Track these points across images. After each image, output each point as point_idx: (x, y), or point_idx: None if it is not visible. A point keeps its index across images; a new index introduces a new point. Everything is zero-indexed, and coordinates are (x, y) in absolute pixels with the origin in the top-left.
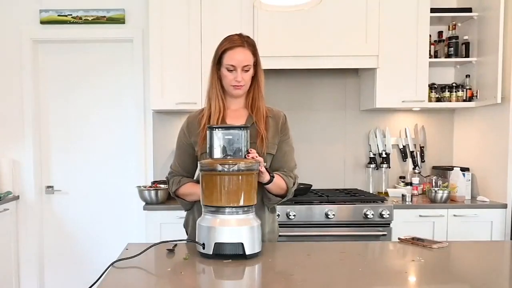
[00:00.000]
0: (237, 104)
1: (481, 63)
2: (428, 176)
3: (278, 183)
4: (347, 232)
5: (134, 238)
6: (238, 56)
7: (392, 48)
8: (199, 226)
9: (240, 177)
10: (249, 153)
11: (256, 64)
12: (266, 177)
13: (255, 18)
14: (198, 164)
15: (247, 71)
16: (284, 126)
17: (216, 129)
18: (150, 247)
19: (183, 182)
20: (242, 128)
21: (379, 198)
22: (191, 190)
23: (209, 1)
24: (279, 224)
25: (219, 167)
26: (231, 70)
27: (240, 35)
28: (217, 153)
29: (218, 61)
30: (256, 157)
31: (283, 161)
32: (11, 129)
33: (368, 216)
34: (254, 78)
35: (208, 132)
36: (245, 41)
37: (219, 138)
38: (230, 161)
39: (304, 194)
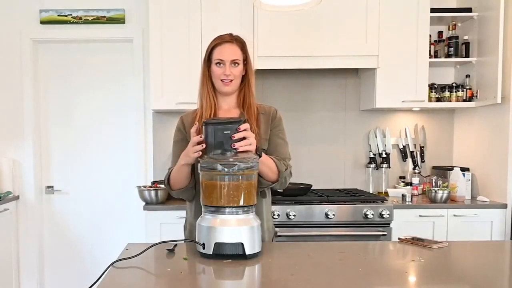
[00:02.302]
0: (229, 103)
1: (481, 63)
2: (428, 176)
3: (267, 163)
4: (347, 232)
5: (134, 238)
6: (227, 51)
7: (392, 48)
8: (199, 226)
9: (240, 177)
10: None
11: (246, 62)
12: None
13: (255, 18)
14: (198, 165)
15: (236, 65)
16: (275, 119)
17: (212, 125)
18: (150, 247)
19: (170, 170)
20: (240, 122)
21: (379, 198)
22: (174, 174)
23: (209, 1)
24: (279, 224)
25: (219, 167)
26: (220, 66)
27: (229, 34)
28: (214, 150)
29: (208, 59)
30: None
31: (275, 153)
32: (11, 129)
33: (368, 216)
34: (245, 76)
35: (204, 128)
36: (233, 38)
37: (215, 134)
38: (231, 160)
39: (304, 194)
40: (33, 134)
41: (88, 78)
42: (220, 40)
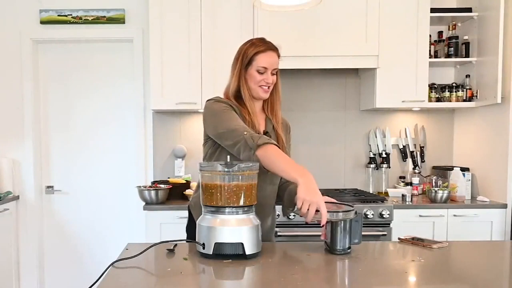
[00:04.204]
0: (257, 106)
1: (481, 63)
2: (428, 176)
3: None
4: None
5: (134, 238)
6: (271, 59)
7: (392, 48)
8: (199, 226)
9: (240, 177)
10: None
11: (278, 69)
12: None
13: (255, 18)
14: (198, 164)
15: (274, 74)
16: (289, 133)
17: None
18: (150, 247)
19: (271, 141)
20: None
21: (379, 198)
22: (273, 157)
23: (209, 1)
24: (279, 224)
25: (219, 167)
26: (262, 73)
27: (264, 39)
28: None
29: (248, 62)
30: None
31: None
32: (11, 129)
33: (368, 216)
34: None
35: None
36: (274, 46)
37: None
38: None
39: None
40: (33, 134)
41: (88, 78)
42: (264, 47)
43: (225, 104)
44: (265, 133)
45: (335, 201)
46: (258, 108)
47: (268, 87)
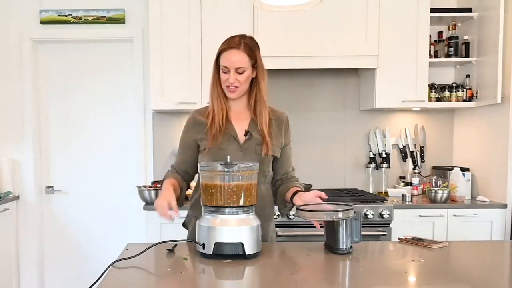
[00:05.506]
0: (239, 105)
1: (481, 63)
2: (428, 176)
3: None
4: None
5: (134, 238)
6: (232, 58)
7: (392, 48)
8: (199, 226)
9: (240, 177)
10: None
11: (257, 66)
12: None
13: (255, 18)
14: (198, 165)
15: (240, 73)
16: (288, 130)
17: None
18: (150, 247)
19: (167, 177)
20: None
21: (379, 198)
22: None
23: (209, 1)
24: (279, 224)
25: (219, 167)
26: (225, 72)
27: (241, 36)
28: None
29: (216, 62)
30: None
31: (287, 164)
32: (11, 129)
33: (368, 216)
34: (255, 80)
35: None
36: (242, 43)
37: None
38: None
39: None
40: (33, 134)
41: (88, 78)
42: (226, 46)
43: (187, 124)
44: (247, 132)
45: (324, 195)
46: (243, 106)
47: (235, 87)
